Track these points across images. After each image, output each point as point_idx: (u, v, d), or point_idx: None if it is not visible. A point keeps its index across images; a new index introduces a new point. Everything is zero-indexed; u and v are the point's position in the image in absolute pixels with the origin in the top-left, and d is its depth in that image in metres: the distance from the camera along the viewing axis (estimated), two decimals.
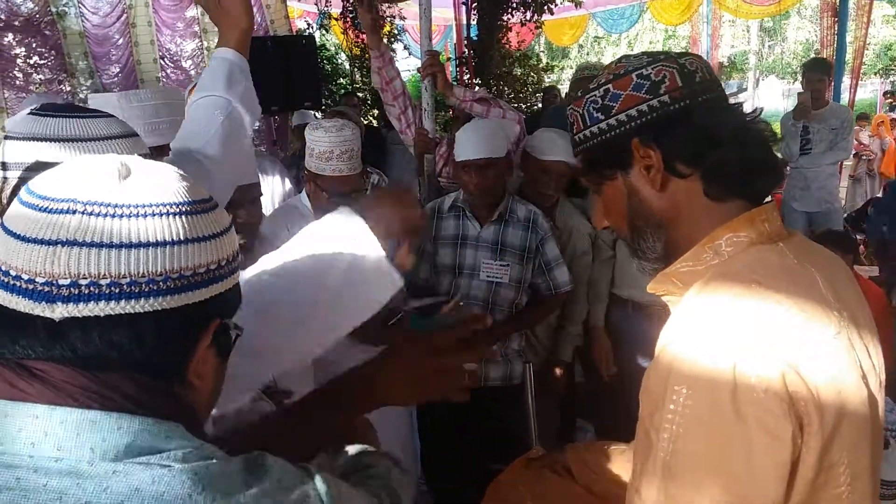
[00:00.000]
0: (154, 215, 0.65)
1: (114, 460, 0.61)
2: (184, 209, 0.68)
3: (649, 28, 21.30)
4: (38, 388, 0.63)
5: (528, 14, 8.25)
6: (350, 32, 9.63)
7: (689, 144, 0.93)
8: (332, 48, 13.74)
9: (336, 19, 10.07)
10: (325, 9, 9.61)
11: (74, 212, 0.63)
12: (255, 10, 7.86)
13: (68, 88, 6.85)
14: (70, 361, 0.64)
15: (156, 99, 1.50)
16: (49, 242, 0.62)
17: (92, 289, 0.62)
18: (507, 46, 9.44)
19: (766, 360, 0.77)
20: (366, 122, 6.97)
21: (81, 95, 7.14)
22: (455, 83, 3.06)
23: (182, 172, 0.73)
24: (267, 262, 1.13)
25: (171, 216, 0.66)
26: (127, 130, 1.19)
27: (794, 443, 0.77)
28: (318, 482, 0.72)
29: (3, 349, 0.64)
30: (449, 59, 12.64)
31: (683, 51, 1.18)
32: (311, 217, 2.37)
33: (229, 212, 1.79)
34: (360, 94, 9.69)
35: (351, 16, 9.22)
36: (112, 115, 1.20)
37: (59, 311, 0.62)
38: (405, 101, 2.79)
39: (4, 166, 1.12)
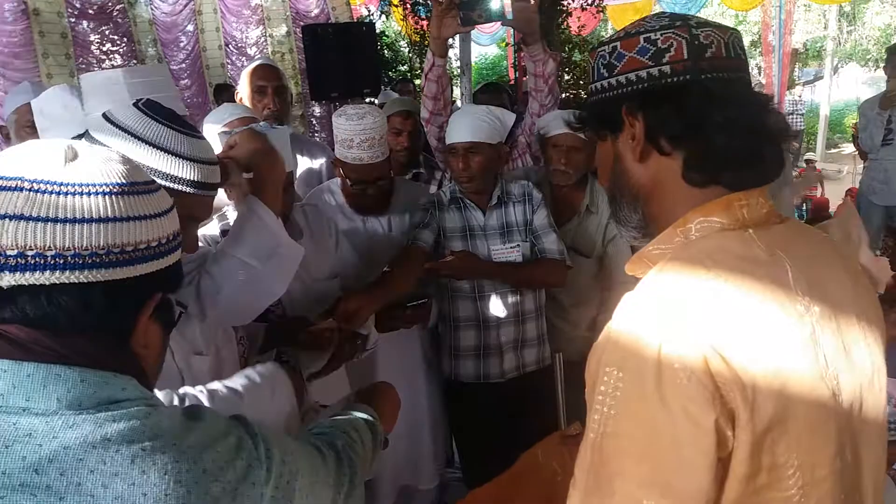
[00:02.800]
0: (97, 194, 0.71)
1: (78, 408, 0.67)
2: (126, 189, 0.73)
3: (719, 13, 20.60)
4: (4, 347, 0.68)
5: None
6: (410, 19, 9.65)
7: (674, 123, 0.88)
8: (392, 35, 13.82)
9: (396, 5, 10.11)
10: None
11: (22, 189, 0.68)
12: None
13: None
14: (23, 322, 0.69)
15: (154, 75, 1.54)
16: None
17: (38, 259, 0.67)
18: (568, 31, 9.30)
19: (689, 344, 0.75)
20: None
21: None
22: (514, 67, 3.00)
23: (126, 156, 0.78)
24: None
25: (114, 195, 0.71)
26: (213, 158, 1.24)
27: (718, 432, 0.73)
28: (252, 427, 0.79)
29: None
30: (508, 44, 12.78)
31: (706, 20, 1.04)
32: (340, 199, 2.39)
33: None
34: (417, 81, 9.72)
35: (411, 2, 9.24)
36: (205, 139, 1.25)
37: (6, 280, 0.67)
38: (449, 109, 2.79)
39: (93, 141, 1.14)
